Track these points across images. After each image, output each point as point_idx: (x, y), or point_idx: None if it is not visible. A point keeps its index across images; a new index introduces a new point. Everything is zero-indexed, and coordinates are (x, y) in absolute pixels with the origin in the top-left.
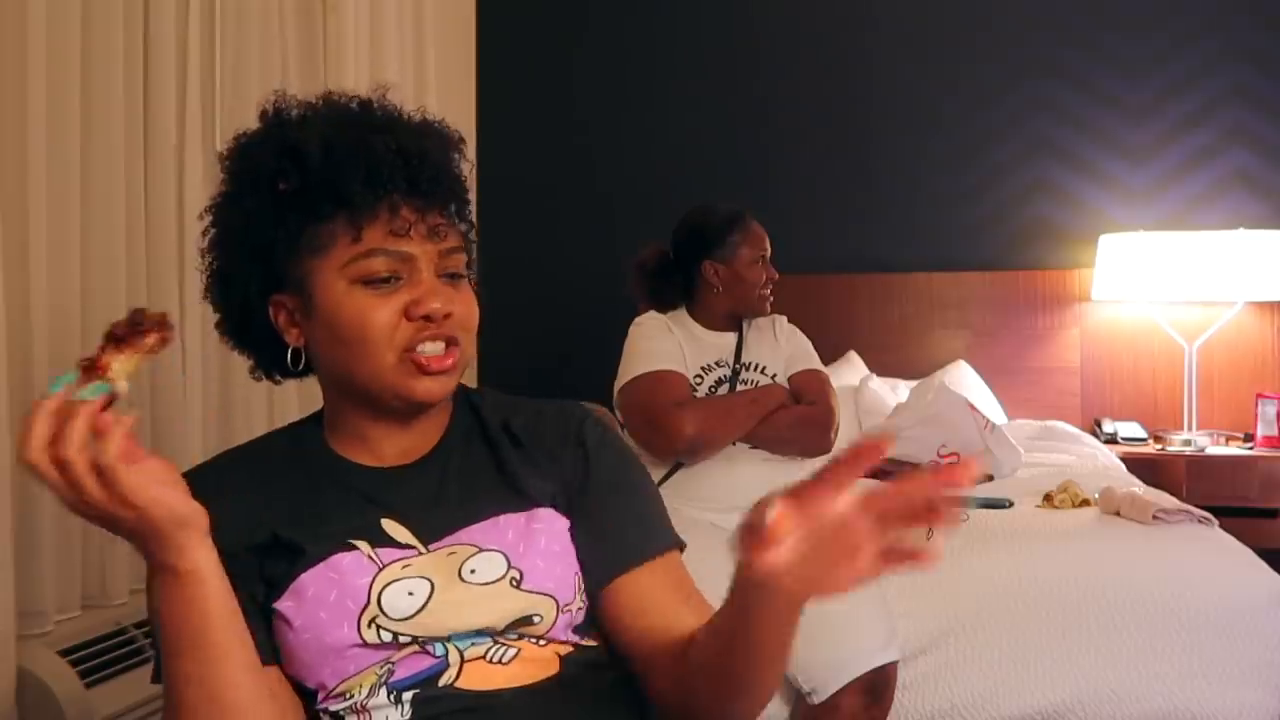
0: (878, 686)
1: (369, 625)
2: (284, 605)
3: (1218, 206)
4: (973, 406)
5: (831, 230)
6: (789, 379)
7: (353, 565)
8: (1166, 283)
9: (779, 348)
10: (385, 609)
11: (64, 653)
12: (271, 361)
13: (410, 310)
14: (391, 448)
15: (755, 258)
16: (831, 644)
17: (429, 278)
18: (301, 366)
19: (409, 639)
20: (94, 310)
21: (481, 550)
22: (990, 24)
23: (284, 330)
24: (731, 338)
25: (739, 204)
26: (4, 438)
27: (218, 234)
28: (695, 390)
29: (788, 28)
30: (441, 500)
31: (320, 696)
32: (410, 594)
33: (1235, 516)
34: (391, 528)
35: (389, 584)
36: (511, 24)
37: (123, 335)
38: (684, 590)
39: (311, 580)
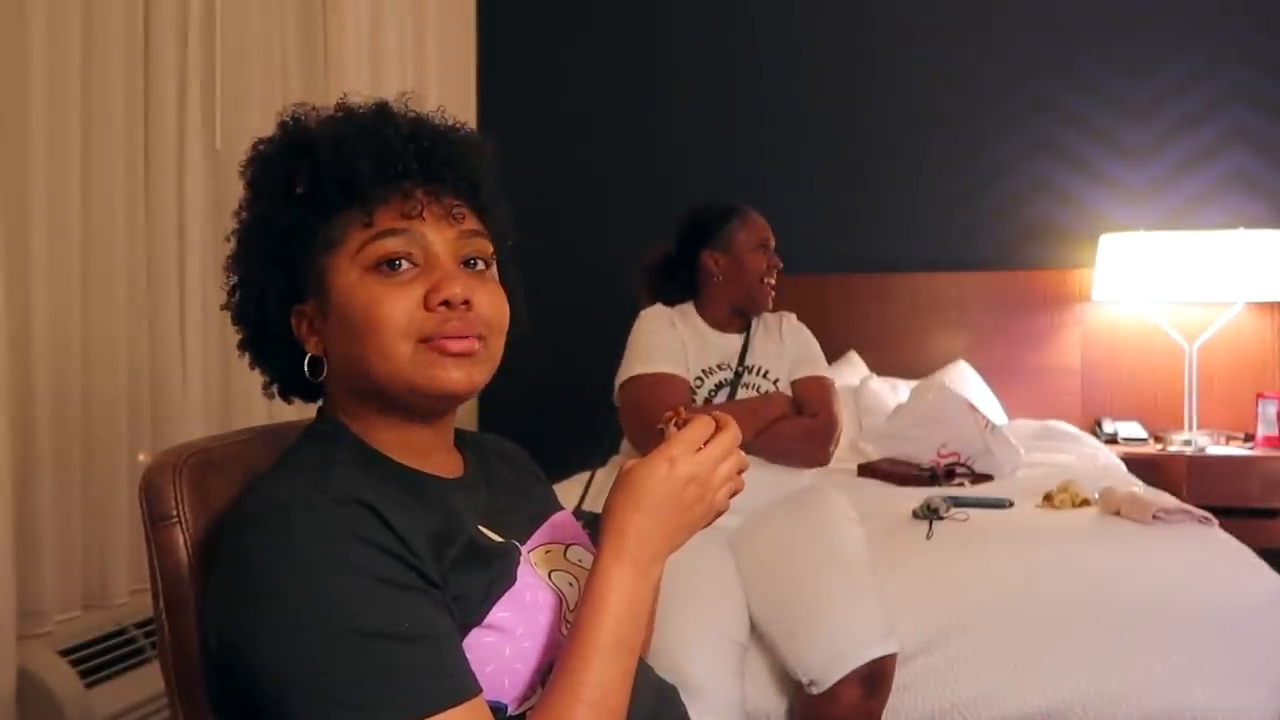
0: (875, 678)
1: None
2: (498, 617)
3: (1217, 206)
4: (972, 406)
5: (831, 230)
6: (792, 384)
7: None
8: (1167, 283)
9: (784, 348)
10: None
11: (64, 653)
12: (289, 378)
13: (429, 298)
14: (439, 463)
15: (754, 244)
16: (830, 636)
17: (449, 264)
18: (320, 379)
19: None
20: (95, 308)
21: (569, 545)
22: (990, 24)
23: (304, 340)
24: (737, 340)
25: (739, 203)
26: (5, 438)
27: (239, 246)
28: (695, 393)
29: (788, 27)
30: (504, 508)
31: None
32: (570, 585)
33: (1235, 516)
34: (489, 533)
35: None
36: (511, 23)
37: None
38: None
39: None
